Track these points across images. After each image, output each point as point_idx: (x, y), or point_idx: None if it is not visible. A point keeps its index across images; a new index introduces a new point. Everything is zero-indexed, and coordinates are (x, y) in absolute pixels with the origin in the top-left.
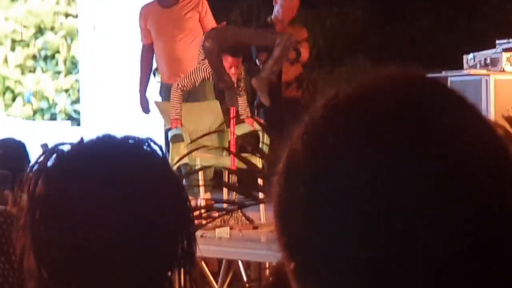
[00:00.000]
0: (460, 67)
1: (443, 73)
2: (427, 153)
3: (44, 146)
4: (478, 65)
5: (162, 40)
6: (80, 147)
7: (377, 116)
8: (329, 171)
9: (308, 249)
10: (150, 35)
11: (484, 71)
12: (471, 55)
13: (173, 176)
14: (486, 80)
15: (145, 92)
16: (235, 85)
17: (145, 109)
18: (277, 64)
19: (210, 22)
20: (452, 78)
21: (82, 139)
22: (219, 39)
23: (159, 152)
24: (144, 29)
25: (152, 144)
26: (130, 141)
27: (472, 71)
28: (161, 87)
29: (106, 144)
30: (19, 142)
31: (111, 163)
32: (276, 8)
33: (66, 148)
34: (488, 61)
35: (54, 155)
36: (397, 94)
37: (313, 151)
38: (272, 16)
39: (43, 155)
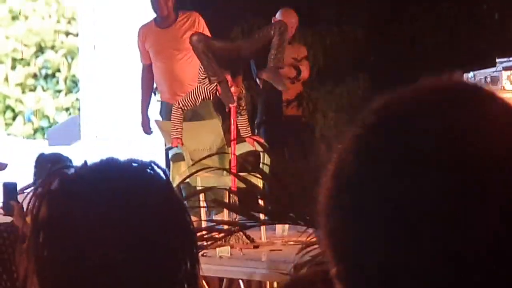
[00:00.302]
0: None
1: None
2: (450, 168)
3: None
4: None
5: (161, 60)
6: (84, 170)
7: (419, 133)
8: (376, 179)
9: (353, 253)
10: (149, 55)
11: None
12: (471, 74)
13: (176, 198)
14: None
15: (147, 112)
16: (236, 103)
17: (147, 129)
18: (279, 52)
19: None
20: None
21: (85, 162)
22: (207, 38)
23: (162, 175)
24: (143, 50)
25: (155, 167)
26: (134, 164)
27: None
28: (161, 107)
29: (109, 167)
30: (67, 158)
31: (115, 186)
32: None
33: (69, 170)
34: (489, 79)
35: (58, 178)
36: (442, 108)
37: (362, 159)
38: None
39: (47, 178)
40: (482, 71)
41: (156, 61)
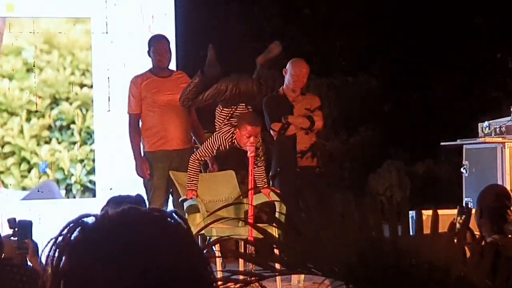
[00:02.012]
0: (475, 135)
1: (458, 141)
2: None
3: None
4: (493, 133)
5: (155, 108)
6: (105, 220)
7: None
8: None
9: None
10: (141, 105)
11: (499, 139)
12: (486, 123)
13: (197, 249)
14: (501, 148)
15: (141, 157)
16: (254, 153)
17: (146, 173)
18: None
19: None
20: (467, 146)
21: (106, 212)
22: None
23: (184, 225)
24: (138, 98)
25: (176, 217)
26: (155, 213)
27: (487, 139)
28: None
29: (130, 217)
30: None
31: (136, 237)
32: (287, 78)
33: (90, 220)
34: (503, 129)
35: (79, 228)
36: None
37: None
38: (284, 86)
39: (68, 228)
40: (496, 120)
41: (152, 109)
